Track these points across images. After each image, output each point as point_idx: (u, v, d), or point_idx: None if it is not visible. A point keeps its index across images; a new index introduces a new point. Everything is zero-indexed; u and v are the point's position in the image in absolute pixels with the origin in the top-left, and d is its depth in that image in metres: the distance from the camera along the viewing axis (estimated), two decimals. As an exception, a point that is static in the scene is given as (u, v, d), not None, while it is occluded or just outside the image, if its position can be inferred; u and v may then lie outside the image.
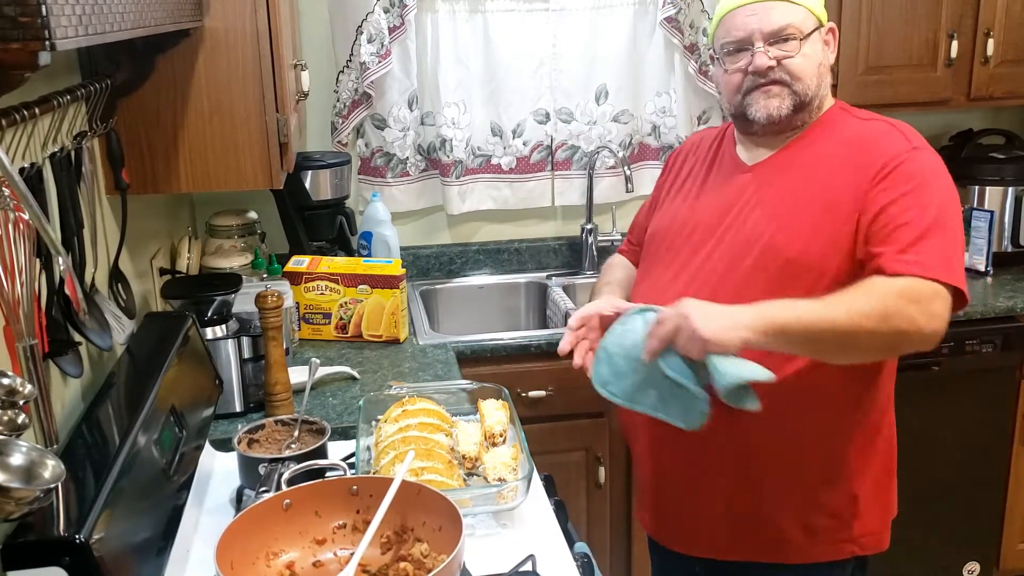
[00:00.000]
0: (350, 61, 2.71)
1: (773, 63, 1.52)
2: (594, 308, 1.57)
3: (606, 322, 1.53)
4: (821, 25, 1.56)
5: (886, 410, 1.66)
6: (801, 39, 1.52)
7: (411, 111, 2.80)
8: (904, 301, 1.35)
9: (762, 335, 1.32)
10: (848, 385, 1.55)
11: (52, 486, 1.00)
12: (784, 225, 1.50)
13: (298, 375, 1.86)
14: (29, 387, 1.05)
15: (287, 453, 1.55)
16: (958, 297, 1.40)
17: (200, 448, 1.62)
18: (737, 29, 1.53)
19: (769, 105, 1.54)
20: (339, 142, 2.80)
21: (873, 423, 1.61)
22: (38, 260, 1.28)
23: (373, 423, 1.70)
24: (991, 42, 2.76)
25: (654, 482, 1.71)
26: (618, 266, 1.88)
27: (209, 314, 1.94)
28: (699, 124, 2.97)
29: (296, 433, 1.62)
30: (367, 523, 1.22)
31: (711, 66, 1.65)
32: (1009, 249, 2.93)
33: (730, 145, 1.68)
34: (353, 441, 1.69)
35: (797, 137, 1.58)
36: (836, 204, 1.48)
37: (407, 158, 2.85)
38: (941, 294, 1.37)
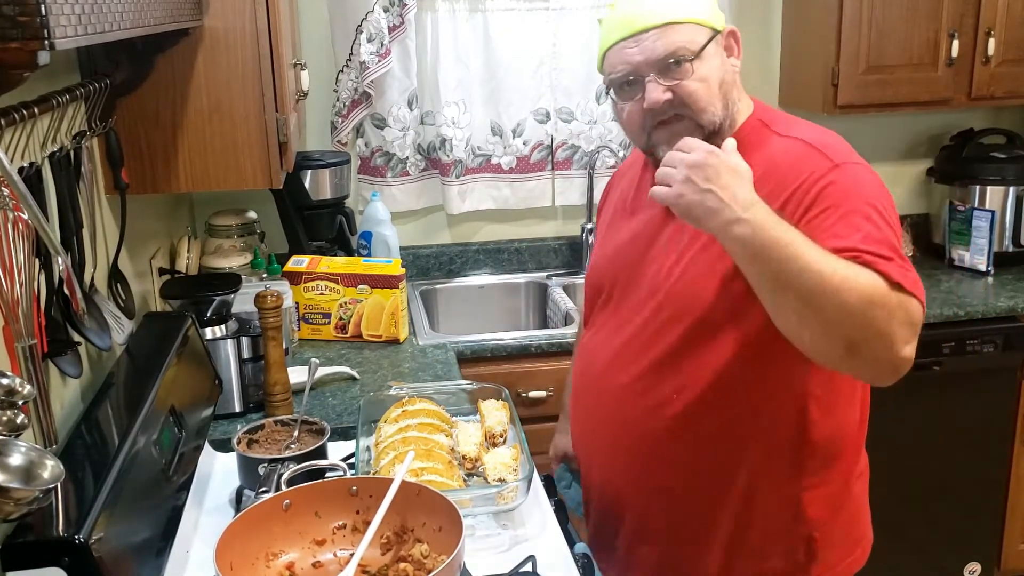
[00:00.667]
0: (350, 60, 2.71)
1: (668, 95, 1.34)
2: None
3: None
4: (716, 32, 1.37)
5: (848, 446, 1.46)
6: (693, 60, 1.33)
7: (411, 110, 2.80)
8: (895, 304, 1.18)
9: (738, 240, 1.20)
10: (785, 430, 1.39)
11: (51, 486, 1.00)
12: (698, 263, 1.37)
13: (298, 375, 1.86)
14: (28, 387, 1.04)
15: (287, 453, 1.55)
16: None
17: (200, 448, 1.61)
18: (622, 63, 1.36)
19: (673, 144, 1.32)
20: (339, 142, 2.80)
21: (829, 459, 1.43)
22: (37, 260, 1.27)
23: (373, 423, 1.70)
24: (992, 42, 2.75)
25: (612, 537, 1.60)
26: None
27: (208, 314, 1.93)
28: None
29: (296, 433, 1.62)
30: (367, 524, 1.22)
31: (611, 102, 1.45)
32: (1010, 249, 2.93)
33: (651, 169, 1.46)
34: (353, 441, 1.69)
35: None
36: None
37: (407, 158, 2.85)
38: (920, 323, 1.21)
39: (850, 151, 1.35)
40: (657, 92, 1.34)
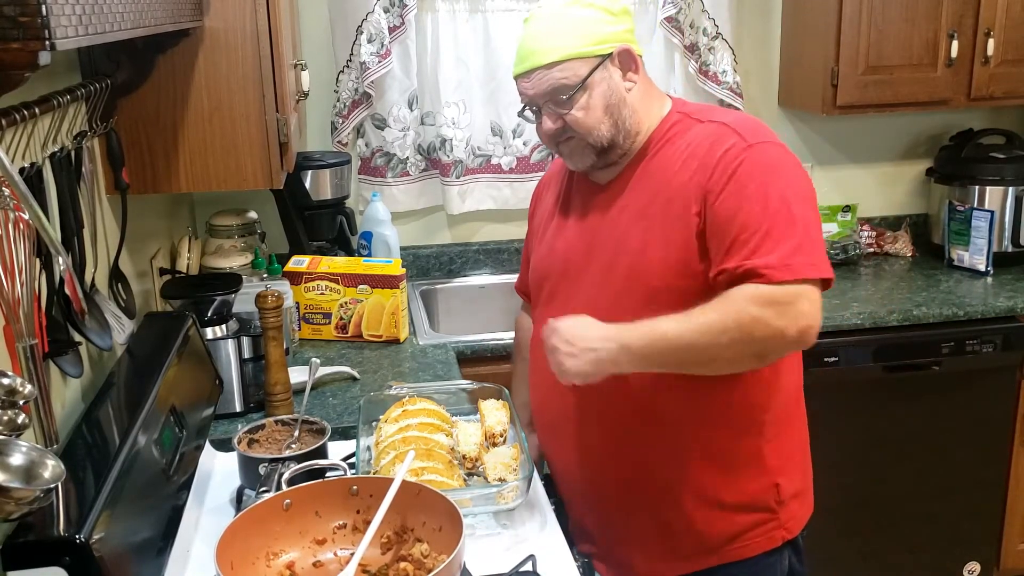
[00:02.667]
0: (350, 61, 2.71)
1: (559, 124, 1.50)
2: None
3: None
4: (604, 58, 1.49)
5: (793, 397, 1.59)
6: (573, 94, 1.48)
7: (411, 111, 2.80)
8: (759, 307, 1.33)
9: (628, 364, 1.39)
10: (746, 390, 1.50)
11: (52, 486, 1.00)
12: (639, 244, 1.48)
13: (298, 375, 1.86)
14: (29, 387, 1.05)
15: (287, 453, 1.55)
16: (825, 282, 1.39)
17: (200, 448, 1.62)
18: (522, 95, 1.54)
19: (574, 161, 1.56)
20: (339, 142, 2.80)
21: (782, 415, 1.55)
22: (38, 260, 1.28)
23: (373, 423, 1.70)
24: (991, 42, 2.75)
25: (583, 515, 1.67)
26: (522, 331, 1.91)
27: (209, 314, 1.94)
28: (699, 124, 2.97)
29: (296, 433, 1.62)
30: (367, 523, 1.22)
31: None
32: (1009, 249, 2.93)
33: (576, 175, 1.66)
34: (353, 441, 1.69)
35: (639, 152, 1.54)
36: (681, 216, 1.44)
37: (407, 158, 2.85)
38: (803, 292, 1.34)
39: (766, 131, 1.47)
40: (548, 122, 1.53)
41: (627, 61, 1.51)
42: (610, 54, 1.49)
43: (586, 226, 1.59)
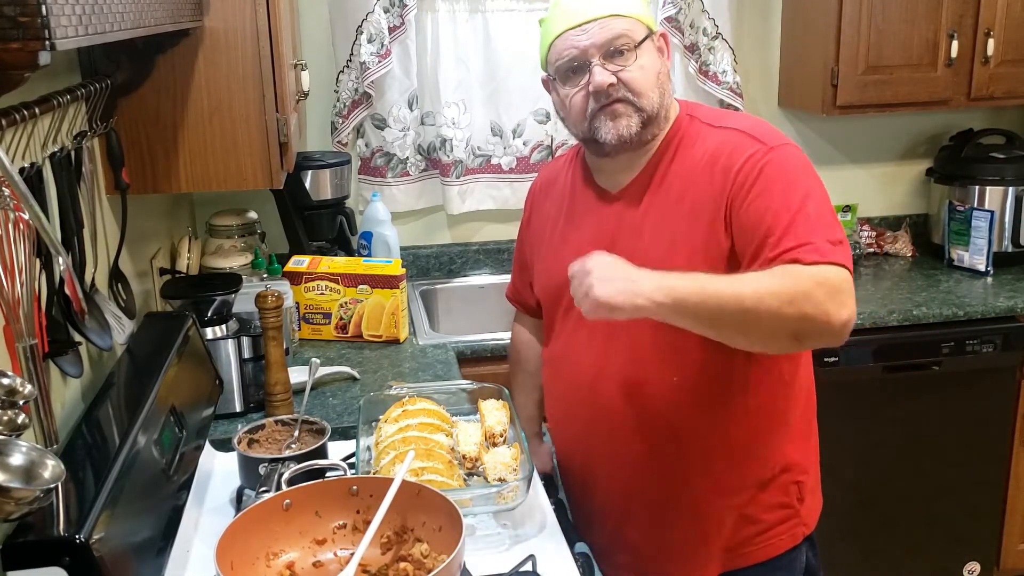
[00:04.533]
0: (350, 61, 2.71)
1: (613, 79, 1.45)
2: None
3: None
4: (652, 32, 1.50)
5: (809, 394, 1.60)
6: (635, 48, 1.46)
7: (411, 111, 2.80)
8: (814, 285, 1.29)
9: (659, 306, 1.27)
10: (766, 392, 1.50)
11: (52, 486, 1.00)
12: (663, 253, 1.45)
13: (298, 375, 1.86)
14: (29, 387, 1.05)
15: (287, 453, 1.55)
16: None
17: (200, 448, 1.61)
18: (570, 49, 1.47)
19: (618, 126, 1.47)
20: (339, 142, 2.80)
21: (800, 413, 1.56)
22: (38, 260, 1.28)
23: (373, 423, 1.70)
24: (991, 42, 2.75)
25: (615, 530, 1.65)
26: (519, 362, 1.91)
27: (209, 314, 1.94)
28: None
29: (296, 433, 1.62)
30: (367, 523, 1.22)
31: (555, 93, 1.57)
32: (1009, 249, 2.93)
33: (582, 175, 1.64)
34: (353, 441, 1.69)
35: (654, 155, 1.52)
36: (710, 222, 1.42)
37: (407, 158, 2.85)
38: (847, 282, 1.32)
39: (780, 134, 1.47)
40: (603, 75, 1.45)
41: (664, 46, 1.53)
42: (654, 33, 1.50)
43: (602, 235, 1.54)
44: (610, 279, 1.28)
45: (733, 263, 1.41)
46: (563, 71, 1.50)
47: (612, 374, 1.54)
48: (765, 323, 1.29)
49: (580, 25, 1.46)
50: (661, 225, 1.48)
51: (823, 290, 1.28)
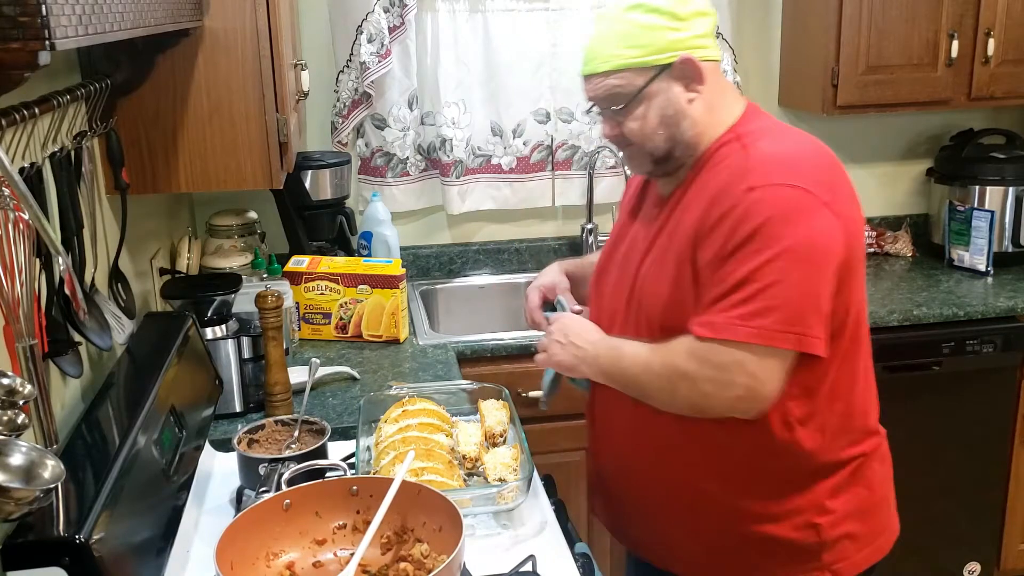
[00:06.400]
0: (350, 61, 2.71)
1: (616, 131, 1.47)
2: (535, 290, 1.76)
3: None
4: (664, 68, 1.40)
5: (860, 430, 1.51)
6: (627, 105, 1.42)
7: (411, 111, 2.80)
8: (690, 362, 1.33)
9: (594, 375, 1.51)
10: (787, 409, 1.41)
11: (52, 486, 1.00)
12: (656, 270, 1.45)
13: (298, 375, 1.86)
14: (29, 387, 1.05)
15: (287, 453, 1.55)
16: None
17: (200, 448, 1.62)
18: (585, 95, 1.51)
19: (632, 166, 1.56)
20: (339, 142, 2.80)
21: (825, 449, 1.45)
22: (38, 260, 1.28)
23: (373, 423, 1.70)
24: (991, 42, 2.75)
25: (617, 495, 1.65)
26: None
27: (209, 314, 1.94)
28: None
29: (296, 433, 1.62)
30: (367, 523, 1.22)
31: None
32: (1009, 249, 2.93)
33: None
34: (353, 441, 1.69)
35: (690, 171, 1.47)
36: (681, 254, 1.40)
37: (407, 158, 2.85)
38: (741, 360, 1.29)
39: (793, 169, 1.35)
40: (606, 128, 1.50)
41: (689, 72, 1.41)
42: (670, 64, 1.40)
43: (636, 235, 1.56)
44: (564, 344, 1.53)
45: (699, 297, 1.38)
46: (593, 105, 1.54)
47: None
48: (661, 397, 1.42)
49: (586, 76, 1.48)
50: (668, 243, 1.45)
51: (704, 370, 1.33)
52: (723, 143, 1.44)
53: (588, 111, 1.60)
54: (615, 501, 1.64)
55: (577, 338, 1.51)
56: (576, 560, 1.42)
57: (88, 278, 1.52)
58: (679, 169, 1.48)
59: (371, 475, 1.48)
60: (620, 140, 1.49)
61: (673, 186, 1.50)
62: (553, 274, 1.77)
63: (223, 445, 1.74)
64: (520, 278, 2.94)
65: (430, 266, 2.96)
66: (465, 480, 1.53)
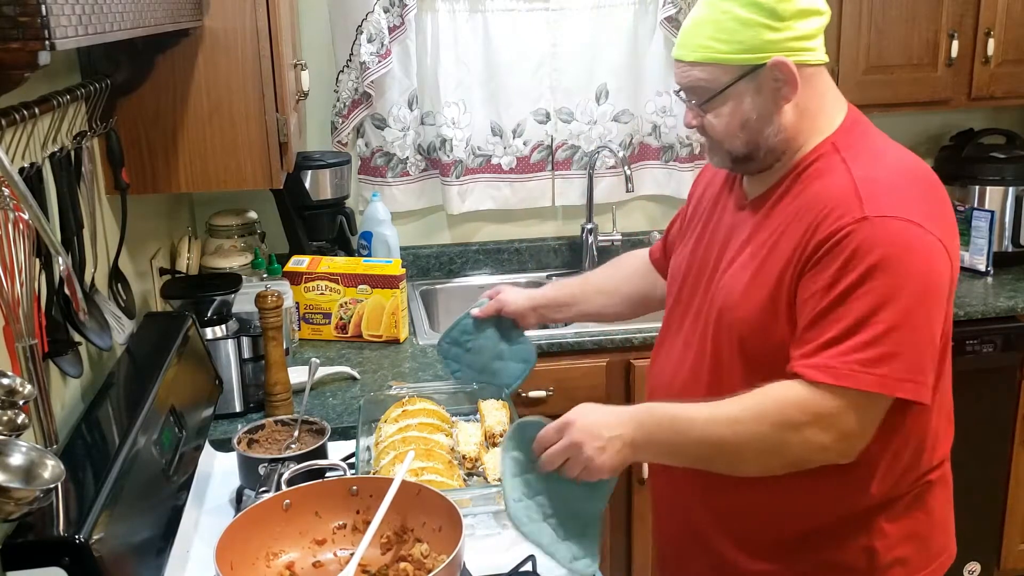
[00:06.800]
0: (350, 61, 2.71)
1: (696, 121, 1.40)
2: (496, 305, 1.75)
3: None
4: (754, 68, 1.31)
5: (930, 461, 1.42)
6: (711, 98, 1.34)
7: (411, 111, 2.80)
8: (801, 413, 1.21)
9: (647, 456, 1.33)
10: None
11: (52, 486, 1.00)
12: (744, 286, 1.35)
13: (298, 375, 1.86)
14: (29, 387, 1.05)
15: (287, 453, 1.55)
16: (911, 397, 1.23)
17: (200, 448, 1.61)
18: (675, 78, 1.42)
19: (711, 157, 1.45)
20: (339, 142, 2.80)
21: (889, 468, 1.36)
22: (38, 260, 1.28)
23: (373, 423, 1.70)
24: (991, 42, 2.75)
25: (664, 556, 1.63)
26: (618, 267, 1.82)
27: (209, 314, 1.94)
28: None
29: (296, 433, 1.62)
30: (367, 523, 1.22)
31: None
32: (1009, 249, 2.93)
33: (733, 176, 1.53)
34: (353, 441, 1.69)
35: (781, 177, 1.38)
36: (779, 275, 1.31)
37: (407, 158, 2.85)
38: (855, 406, 1.21)
39: (904, 197, 1.26)
40: (688, 116, 1.42)
41: (782, 76, 1.31)
42: (762, 65, 1.31)
43: (717, 241, 1.46)
44: (602, 448, 1.27)
45: (792, 325, 1.29)
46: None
47: (680, 384, 1.46)
48: (760, 461, 1.28)
49: (676, 60, 1.39)
50: (755, 254, 1.36)
51: (810, 418, 1.22)
52: (820, 154, 1.35)
53: (676, 92, 1.46)
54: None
55: (607, 428, 1.28)
56: (576, 560, 1.42)
57: (88, 278, 1.52)
58: (764, 171, 1.39)
59: (371, 475, 1.48)
60: (700, 130, 1.41)
61: (763, 189, 1.40)
62: (521, 304, 1.76)
63: (223, 445, 1.74)
64: (520, 278, 2.94)
65: (430, 266, 2.96)
66: (465, 480, 1.53)
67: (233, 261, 2.39)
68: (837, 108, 1.39)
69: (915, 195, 1.28)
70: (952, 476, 1.52)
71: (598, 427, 1.28)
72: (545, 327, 2.81)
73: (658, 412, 1.31)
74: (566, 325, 2.58)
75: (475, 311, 1.77)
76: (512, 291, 1.81)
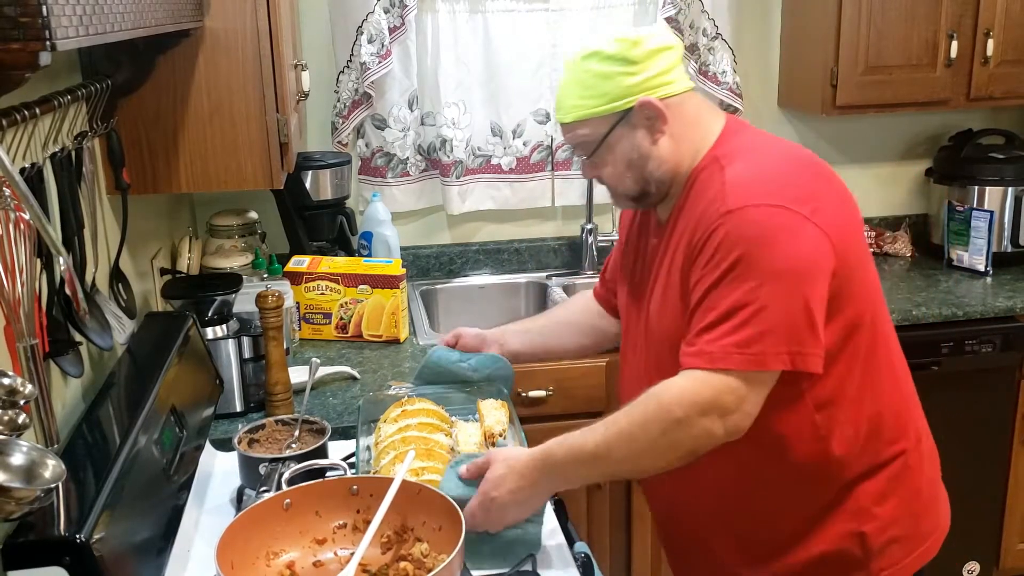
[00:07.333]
0: (350, 61, 2.72)
1: (593, 173, 1.50)
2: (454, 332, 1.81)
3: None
4: (624, 114, 1.40)
5: (895, 428, 1.47)
6: (596, 149, 1.44)
7: (411, 111, 2.80)
8: (680, 410, 1.27)
9: (560, 484, 1.39)
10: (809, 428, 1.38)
11: (52, 486, 1.00)
12: (656, 305, 1.45)
13: (298, 375, 1.86)
14: (29, 387, 1.05)
15: (287, 453, 1.55)
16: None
17: (200, 448, 1.62)
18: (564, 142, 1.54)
19: (616, 203, 1.56)
20: (339, 142, 2.80)
21: (858, 451, 1.42)
22: (39, 260, 1.28)
23: (373, 423, 1.70)
24: (991, 42, 2.75)
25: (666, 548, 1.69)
26: (565, 309, 1.91)
27: (209, 314, 1.94)
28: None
29: (296, 433, 1.62)
30: (367, 523, 1.22)
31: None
32: (1009, 249, 2.93)
33: None
34: (353, 441, 1.69)
35: (678, 199, 1.45)
36: (680, 280, 1.39)
37: (407, 158, 2.85)
38: (732, 387, 1.26)
39: (764, 188, 1.33)
40: (585, 170, 1.54)
41: (649, 114, 1.41)
42: (631, 109, 1.40)
43: (645, 267, 1.54)
44: (517, 501, 1.36)
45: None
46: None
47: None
48: (647, 464, 1.36)
49: (559, 123, 1.51)
50: (668, 272, 1.44)
51: (696, 409, 1.27)
52: (702, 168, 1.42)
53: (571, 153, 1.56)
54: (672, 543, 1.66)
55: (514, 482, 1.35)
56: (576, 559, 1.42)
57: (89, 278, 1.52)
58: (663, 200, 1.48)
59: (371, 474, 1.48)
60: (599, 181, 1.51)
61: (667, 212, 1.49)
62: (476, 331, 1.82)
63: (224, 445, 1.74)
64: (520, 278, 2.94)
65: (430, 266, 2.97)
66: (465, 480, 1.53)
67: (234, 261, 2.39)
68: (714, 122, 1.47)
69: (785, 182, 1.35)
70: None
71: (505, 485, 1.35)
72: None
73: (544, 446, 1.37)
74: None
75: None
76: (467, 328, 1.86)
